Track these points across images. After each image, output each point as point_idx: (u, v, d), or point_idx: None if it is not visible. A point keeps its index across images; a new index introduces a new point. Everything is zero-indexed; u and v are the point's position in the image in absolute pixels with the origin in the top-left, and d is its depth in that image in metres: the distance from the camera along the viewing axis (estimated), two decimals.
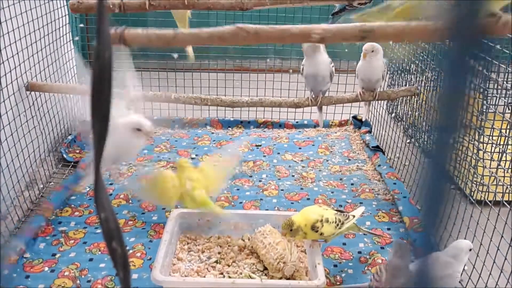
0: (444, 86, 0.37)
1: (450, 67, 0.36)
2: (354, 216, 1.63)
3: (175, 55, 2.69)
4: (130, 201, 2.01)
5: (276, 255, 1.52)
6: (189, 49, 2.09)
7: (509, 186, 1.75)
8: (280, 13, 2.75)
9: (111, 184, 2.12)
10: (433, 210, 0.38)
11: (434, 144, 0.37)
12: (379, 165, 2.31)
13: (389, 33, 1.28)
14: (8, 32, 1.89)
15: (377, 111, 2.79)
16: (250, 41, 1.34)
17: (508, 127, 1.77)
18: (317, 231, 1.53)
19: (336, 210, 1.62)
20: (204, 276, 1.54)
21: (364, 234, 1.78)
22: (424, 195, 0.38)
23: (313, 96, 2.24)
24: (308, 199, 2.05)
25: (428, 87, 2.32)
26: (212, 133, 2.68)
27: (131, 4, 1.70)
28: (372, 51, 2.12)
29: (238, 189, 2.12)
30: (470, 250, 1.43)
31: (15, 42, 1.95)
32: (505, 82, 1.85)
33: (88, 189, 2.06)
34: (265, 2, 1.64)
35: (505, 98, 1.84)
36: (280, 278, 1.51)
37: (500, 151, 1.84)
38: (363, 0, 1.77)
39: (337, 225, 1.56)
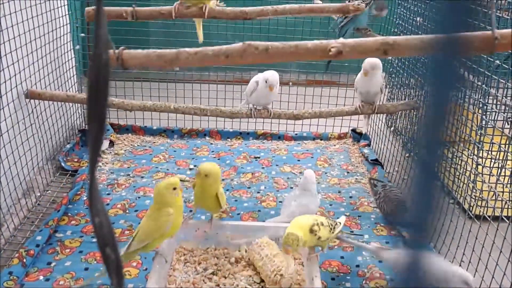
0: (429, 98, 0.37)
1: (434, 80, 0.36)
2: (340, 223, 1.66)
3: (176, 68, 2.70)
4: (127, 211, 2.00)
5: (273, 267, 1.51)
6: (199, 32, 2.08)
7: (508, 201, 1.74)
8: (281, 26, 2.76)
9: (108, 194, 2.11)
10: (422, 209, 0.37)
11: (421, 147, 0.37)
12: (376, 184, 2.29)
13: (411, 46, 1.18)
14: (9, 40, 1.90)
15: (376, 124, 2.79)
16: (260, 60, 1.22)
17: (507, 142, 1.77)
18: (315, 234, 1.52)
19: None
20: None
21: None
22: (413, 195, 0.37)
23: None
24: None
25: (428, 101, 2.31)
26: (211, 143, 2.68)
27: (142, 12, 1.71)
28: (373, 69, 2.12)
29: (236, 200, 2.11)
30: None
31: (16, 49, 1.96)
32: (504, 97, 1.85)
33: (85, 198, 2.05)
34: (266, 13, 1.64)
35: (504, 113, 1.84)
36: None
37: (499, 166, 1.84)
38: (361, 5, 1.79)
39: (331, 229, 1.57)
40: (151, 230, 1.46)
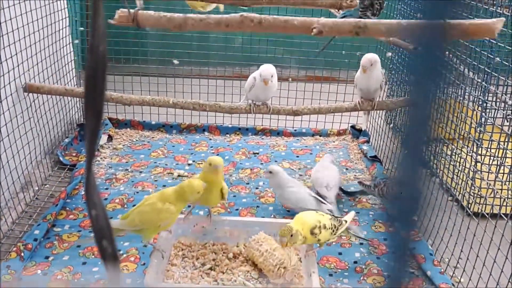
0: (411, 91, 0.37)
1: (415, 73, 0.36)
2: (346, 221, 1.65)
3: (175, 61, 2.69)
4: (125, 206, 2.00)
5: (275, 261, 1.52)
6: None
7: (506, 199, 1.74)
8: (281, 14, 2.74)
9: (106, 188, 2.11)
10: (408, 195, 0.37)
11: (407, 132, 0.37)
12: (376, 176, 2.30)
13: (381, 29, 1.37)
14: (7, 33, 1.89)
15: (375, 121, 2.78)
16: (254, 29, 1.39)
17: (506, 139, 1.77)
18: (315, 237, 1.53)
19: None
20: (198, 283, 1.53)
21: (355, 239, 1.80)
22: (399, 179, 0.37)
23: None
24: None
25: (435, 99, 2.31)
26: (210, 139, 2.67)
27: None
28: (371, 65, 2.12)
29: (234, 196, 2.11)
30: None
31: (14, 43, 1.95)
32: (504, 95, 1.85)
33: (83, 193, 2.05)
34: (262, 2, 1.68)
35: (503, 111, 1.84)
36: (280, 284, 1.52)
37: (498, 163, 1.84)
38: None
39: (333, 231, 1.58)
40: (147, 219, 1.47)
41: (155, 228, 1.50)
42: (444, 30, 0.34)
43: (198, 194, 1.52)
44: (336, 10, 2.12)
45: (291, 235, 1.50)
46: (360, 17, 1.98)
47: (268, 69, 2.15)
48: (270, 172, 1.97)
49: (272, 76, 2.15)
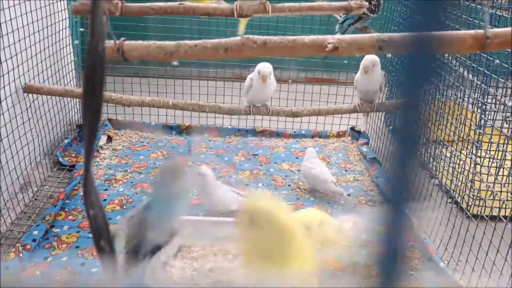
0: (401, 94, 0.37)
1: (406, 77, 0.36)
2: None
3: (175, 62, 2.69)
4: (124, 207, 2.00)
5: None
6: (242, 27, 1.99)
7: (506, 201, 1.74)
8: (281, 23, 2.75)
9: (105, 189, 2.11)
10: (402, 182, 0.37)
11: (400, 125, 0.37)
12: (377, 177, 2.30)
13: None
14: (7, 33, 1.89)
15: (375, 123, 2.78)
16: (258, 53, 1.24)
17: (506, 141, 1.77)
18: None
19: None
20: (198, 285, 1.52)
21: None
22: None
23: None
24: (304, 209, 2.04)
25: (426, 100, 2.31)
26: (210, 140, 2.67)
27: (131, 7, 1.68)
28: (373, 66, 2.12)
29: None
30: None
31: (14, 43, 1.95)
32: (503, 97, 1.85)
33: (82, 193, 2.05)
34: (263, 11, 1.64)
35: (503, 113, 1.84)
36: None
37: (498, 165, 1.84)
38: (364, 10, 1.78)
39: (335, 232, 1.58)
40: None
41: None
42: (439, 39, 0.34)
43: None
44: (341, 15, 2.11)
45: None
46: (359, 17, 1.98)
47: (266, 66, 2.14)
48: (199, 174, 1.85)
49: (270, 74, 2.14)
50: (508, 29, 1.17)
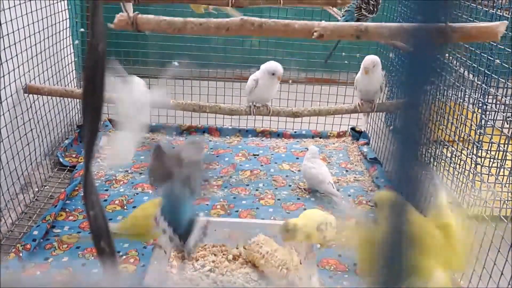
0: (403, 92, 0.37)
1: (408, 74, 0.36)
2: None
3: (176, 63, 2.69)
4: (125, 207, 2.00)
5: (277, 262, 1.53)
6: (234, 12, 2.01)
7: (506, 201, 1.74)
8: (281, 16, 2.75)
9: (106, 190, 2.11)
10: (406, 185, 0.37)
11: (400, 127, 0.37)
12: (377, 177, 2.30)
13: (382, 32, 1.39)
14: (7, 34, 1.89)
15: (375, 123, 2.78)
16: (254, 33, 1.38)
17: (507, 141, 1.77)
18: (322, 233, 1.53)
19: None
20: (198, 285, 1.52)
21: None
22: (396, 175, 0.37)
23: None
24: (304, 209, 2.03)
25: (427, 100, 2.31)
26: (210, 141, 2.67)
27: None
28: (373, 66, 2.12)
29: (234, 198, 2.10)
30: None
31: (15, 44, 1.95)
32: (504, 97, 1.85)
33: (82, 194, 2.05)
34: (258, 2, 1.68)
35: (504, 113, 1.84)
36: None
37: (498, 165, 1.83)
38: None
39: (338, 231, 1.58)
40: (135, 225, 1.47)
41: (143, 235, 1.49)
42: (441, 33, 0.33)
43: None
44: (335, 12, 2.12)
45: (287, 231, 1.51)
46: (358, 19, 1.98)
47: (279, 65, 2.16)
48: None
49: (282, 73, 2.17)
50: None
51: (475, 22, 1.87)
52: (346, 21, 2.08)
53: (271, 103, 2.29)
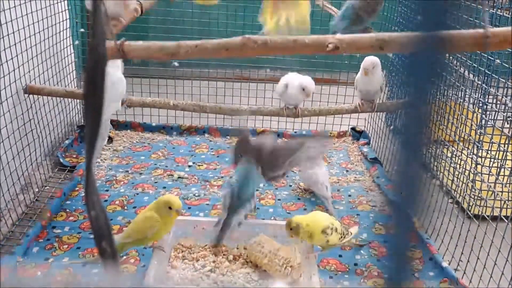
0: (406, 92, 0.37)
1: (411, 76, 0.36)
2: (351, 233, 1.68)
3: (176, 63, 2.69)
4: (125, 207, 2.00)
5: (281, 261, 1.54)
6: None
7: (507, 201, 1.74)
8: None
9: (106, 190, 2.11)
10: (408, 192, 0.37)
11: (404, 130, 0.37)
12: (378, 177, 2.29)
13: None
14: (8, 34, 1.89)
15: (375, 123, 2.78)
16: (258, 52, 1.25)
17: (507, 141, 1.77)
18: (326, 237, 1.55)
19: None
20: (198, 285, 1.52)
21: (359, 246, 1.80)
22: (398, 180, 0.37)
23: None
24: (305, 209, 2.04)
25: (428, 100, 2.31)
26: (210, 141, 2.67)
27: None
28: (373, 67, 2.12)
29: None
30: None
31: (15, 44, 1.95)
32: (504, 97, 1.85)
33: (83, 194, 2.05)
34: None
35: (504, 113, 1.84)
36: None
37: (499, 165, 1.83)
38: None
39: (341, 236, 1.59)
40: (134, 230, 1.51)
41: (144, 239, 1.51)
42: (444, 40, 0.34)
43: (171, 210, 1.49)
44: (335, 12, 2.11)
45: (291, 229, 1.54)
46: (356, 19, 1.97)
47: (313, 83, 2.23)
48: None
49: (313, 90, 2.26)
50: (508, 28, 1.17)
51: (475, 22, 1.87)
52: (343, 16, 2.08)
53: (272, 104, 2.29)
